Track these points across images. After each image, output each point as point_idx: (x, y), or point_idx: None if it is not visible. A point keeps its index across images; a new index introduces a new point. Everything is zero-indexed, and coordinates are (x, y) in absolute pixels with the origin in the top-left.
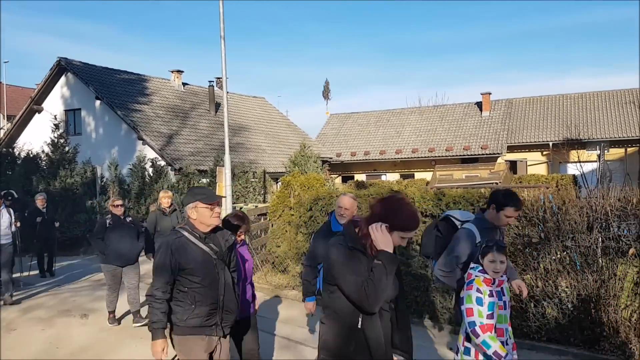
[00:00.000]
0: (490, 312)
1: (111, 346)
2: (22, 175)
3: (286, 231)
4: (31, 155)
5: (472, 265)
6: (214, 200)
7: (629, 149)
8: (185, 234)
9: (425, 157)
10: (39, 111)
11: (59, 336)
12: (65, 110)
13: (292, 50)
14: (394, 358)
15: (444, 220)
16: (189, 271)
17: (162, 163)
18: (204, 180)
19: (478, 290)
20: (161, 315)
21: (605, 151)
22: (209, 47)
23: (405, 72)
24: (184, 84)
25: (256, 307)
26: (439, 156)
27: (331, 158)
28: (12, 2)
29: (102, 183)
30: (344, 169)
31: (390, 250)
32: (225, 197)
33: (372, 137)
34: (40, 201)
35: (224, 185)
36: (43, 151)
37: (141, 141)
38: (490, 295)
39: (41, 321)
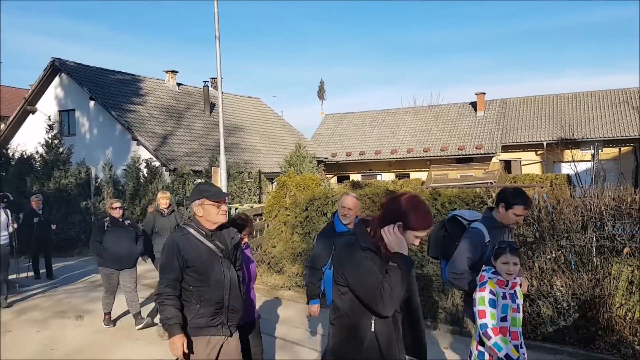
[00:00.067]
0: (503, 315)
1: (107, 347)
2: (16, 177)
3: (282, 231)
4: (25, 156)
5: (484, 267)
6: (221, 198)
7: (622, 149)
8: (191, 230)
9: (420, 157)
10: (33, 112)
11: (54, 338)
12: (59, 111)
13: (287, 51)
14: None
15: (451, 220)
16: (195, 269)
17: (157, 163)
18: (199, 181)
19: (491, 292)
20: (174, 311)
21: (599, 150)
22: (204, 47)
23: (400, 72)
24: (179, 84)
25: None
26: (434, 156)
27: (326, 158)
28: (5, 2)
29: (97, 184)
30: (340, 169)
31: (405, 253)
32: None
33: (368, 137)
34: (35, 202)
35: (220, 186)
36: (37, 152)
37: (135, 142)
38: (504, 297)
39: (36, 323)
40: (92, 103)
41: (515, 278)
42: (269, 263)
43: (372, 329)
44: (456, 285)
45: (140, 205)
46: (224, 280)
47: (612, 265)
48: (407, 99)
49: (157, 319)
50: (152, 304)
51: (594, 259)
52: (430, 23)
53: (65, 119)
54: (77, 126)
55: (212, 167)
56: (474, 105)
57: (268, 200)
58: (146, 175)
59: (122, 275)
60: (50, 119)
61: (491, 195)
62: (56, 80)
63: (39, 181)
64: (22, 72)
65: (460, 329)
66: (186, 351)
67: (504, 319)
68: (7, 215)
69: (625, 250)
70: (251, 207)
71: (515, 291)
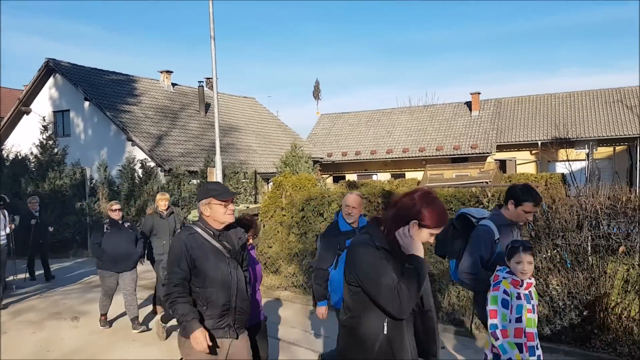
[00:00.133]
0: (518, 316)
1: (103, 349)
2: (10, 178)
3: (278, 232)
4: (19, 157)
5: (498, 267)
6: (228, 197)
7: (617, 148)
8: (198, 230)
9: (415, 156)
10: (27, 113)
11: (49, 339)
12: (54, 112)
13: (282, 51)
14: None
15: (459, 218)
16: (201, 269)
17: (152, 164)
18: (195, 181)
19: (505, 292)
20: (188, 307)
21: (594, 150)
22: (198, 47)
23: (395, 72)
24: (174, 85)
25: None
26: (429, 156)
27: (322, 158)
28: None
29: (92, 184)
30: (335, 169)
31: (422, 255)
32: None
33: (363, 137)
34: (32, 204)
35: None
36: (32, 153)
37: (130, 142)
38: (518, 298)
39: (31, 324)
40: (86, 104)
41: (530, 278)
42: (265, 263)
43: (385, 332)
44: (467, 285)
45: (135, 206)
46: (230, 281)
47: (607, 264)
48: (403, 99)
49: (151, 324)
50: (151, 306)
51: (590, 258)
52: (425, 23)
53: (60, 119)
54: (71, 127)
55: (208, 168)
56: (469, 105)
57: (264, 201)
58: (141, 175)
59: (122, 278)
60: (44, 120)
61: (487, 195)
62: (50, 80)
63: (34, 182)
64: (16, 73)
65: (456, 328)
66: (210, 343)
67: (518, 320)
68: (4, 216)
69: (621, 249)
70: (247, 207)
71: (530, 292)
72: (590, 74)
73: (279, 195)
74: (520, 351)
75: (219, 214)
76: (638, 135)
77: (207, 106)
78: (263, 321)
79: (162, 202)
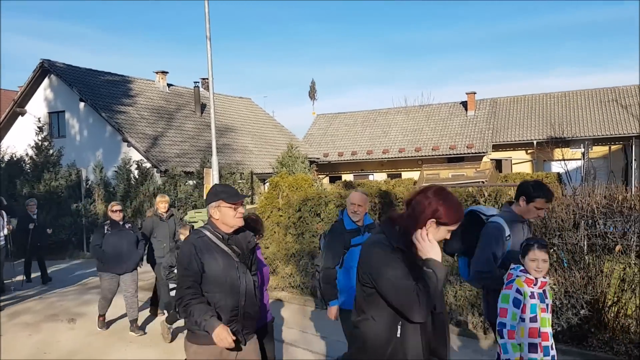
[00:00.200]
0: (533, 315)
1: (100, 351)
2: (5, 179)
3: (275, 232)
4: (15, 159)
5: (512, 265)
6: (238, 200)
7: (612, 147)
8: (207, 233)
9: (412, 156)
10: (22, 114)
11: (46, 341)
12: (49, 113)
13: (278, 51)
14: None
15: (468, 215)
16: (210, 273)
17: (148, 165)
18: (191, 182)
19: (518, 291)
20: (204, 306)
21: (589, 149)
22: (194, 47)
23: (391, 72)
24: (169, 85)
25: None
26: (425, 156)
27: (318, 158)
28: None
29: (87, 186)
30: (332, 169)
31: (439, 259)
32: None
33: (359, 137)
34: (30, 207)
35: None
36: (27, 154)
37: (126, 143)
38: (532, 297)
39: (28, 326)
40: (82, 104)
41: (545, 277)
42: None
43: (398, 335)
44: (478, 283)
45: (131, 207)
46: (239, 285)
47: (604, 263)
48: (398, 99)
49: (149, 325)
50: (149, 308)
51: (586, 257)
52: (421, 23)
53: (55, 120)
54: (67, 128)
55: (204, 169)
56: (464, 104)
57: (261, 201)
58: (137, 176)
59: (123, 280)
60: (39, 121)
61: (484, 194)
62: (45, 81)
63: (29, 183)
64: (10, 74)
65: (452, 327)
66: (234, 338)
67: (533, 320)
68: (2, 217)
69: (617, 248)
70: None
71: (544, 290)
72: (586, 74)
73: (276, 196)
74: (535, 351)
75: (228, 217)
76: (633, 135)
77: (203, 107)
78: (270, 322)
79: (161, 204)
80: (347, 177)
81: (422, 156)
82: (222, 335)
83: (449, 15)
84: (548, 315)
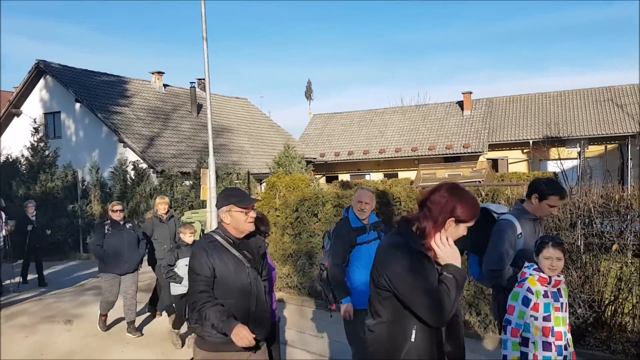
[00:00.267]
0: (546, 314)
1: (97, 352)
2: (1, 180)
3: (272, 232)
4: (10, 160)
5: (526, 263)
6: (250, 204)
7: (608, 146)
8: (218, 238)
9: (408, 156)
10: (18, 115)
11: (43, 343)
12: (45, 114)
13: (274, 51)
14: None
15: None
16: (221, 279)
17: (144, 166)
18: (187, 183)
19: (529, 290)
20: (220, 307)
21: (585, 148)
22: (189, 48)
23: (387, 72)
24: (165, 86)
25: None
26: (422, 155)
27: (315, 158)
28: None
29: (84, 187)
30: (328, 169)
31: (460, 264)
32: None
33: (356, 137)
34: (30, 209)
35: (208, 188)
36: (23, 155)
37: (122, 144)
38: (545, 296)
39: (24, 328)
40: (77, 105)
41: (559, 276)
42: None
43: (412, 339)
44: (489, 282)
45: (127, 208)
46: (250, 292)
47: (601, 262)
48: (395, 99)
49: (146, 328)
50: (148, 312)
51: (583, 256)
52: (417, 23)
53: (51, 121)
54: (62, 129)
55: (201, 169)
56: (460, 104)
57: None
58: (133, 177)
59: (123, 281)
60: (35, 122)
61: (481, 194)
62: (41, 82)
63: (25, 185)
64: (5, 75)
65: None
66: (254, 335)
67: (546, 319)
68: (0, 218)
69: (614, 247)
70: None
71: (559, 289)
72: (581, 73)
73: (273, 196)
74: (549, 349)
75: (239, 221)
76: (629, 134)
77: (199, 107)
78: (277, 322)
79: (161, 205)
80: (344, 177)
81: (418, 156)
82: (242, 333)
83: (445, 15)
84: (562, 314)
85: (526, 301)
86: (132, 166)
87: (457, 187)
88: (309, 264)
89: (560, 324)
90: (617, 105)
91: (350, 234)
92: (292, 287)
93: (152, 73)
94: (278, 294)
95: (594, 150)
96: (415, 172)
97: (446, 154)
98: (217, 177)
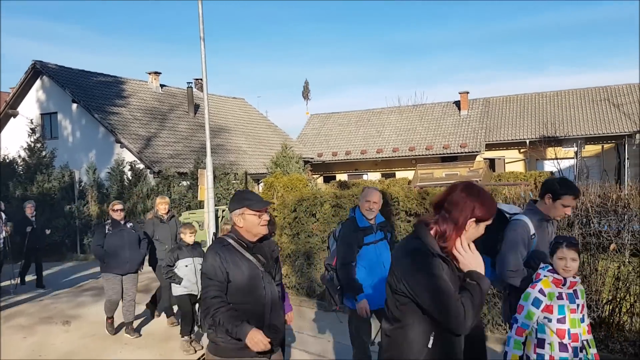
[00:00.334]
0: (561, 316)
1: (95, 353)
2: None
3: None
4: (7, 161)
5: (541, 265)
6: (263, 207)
7: (605, 146)
8: (232, 242)
9: (405, 156)
10: (14, 115)
11: (40, 344)
12: (41, 114)
13: (271, 51)
14: None
15: None
16: (235, 284)
17: (141, 166)
18: (185, 183)
19: (541, 291)
20: (234, 313)
21: (582, 148)
22: (186, 48)
23: (384, 71)
24: (162, 86)
25: None
26: (419, 155)
27: (312, 158)
28: None
29: (81, 187)
30: (326, 169)
31: (483, 270)
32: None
33: (353, 137)
34: (29, 209)
35: (206, 188)
36: (19, 156)
37: (119, 144)
38: (559, 297)
39: (22, 329)
40: (74, 106)
41: (575, 277)
42: None
43: (430, 345)
44: (498, 284)
45: (124, 208)
46: (264, 296)
47: (598, 262)
48: (392, 99)
49: (148, 330)
50: (146, 308)
51: (581, 256)
52: (414, 23)
53: (48, 122)
54: (59, 129)
55: (198, 169)
56: (457, 104)
57: None
58: (130, 178)
59: (124, 281)
60: (32, 123)
61: None
62: (37, 83)
63: (22, 185)
64: (4, 75)
65: None
66: (269, 338)
67: (561, 321)
68: (0, 219)
69: (612, 246)
70: None
71: (575, 290)
72: (578, 73)
73: (271, 196)
74: (565, 350)
75: (253, 225)
76: (626, 133)
77: (196, 107)
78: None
79: (162, 206)
80: (341, 176)
81: (415, 155)
82: (257, 338)
83: (443, 15)
84: (578, 316)
85: (536, 302)
86: (129, 167)
87: (473, 185)
88: (307, 264)
89: (576, 325)
90: (614, 105)
91: (357, 234)
92: (290, 287)
93: (149, 73)
94: None
95: (591, 149)
96: (413, 171)
97: (443, 154)
98: (215, 177)
